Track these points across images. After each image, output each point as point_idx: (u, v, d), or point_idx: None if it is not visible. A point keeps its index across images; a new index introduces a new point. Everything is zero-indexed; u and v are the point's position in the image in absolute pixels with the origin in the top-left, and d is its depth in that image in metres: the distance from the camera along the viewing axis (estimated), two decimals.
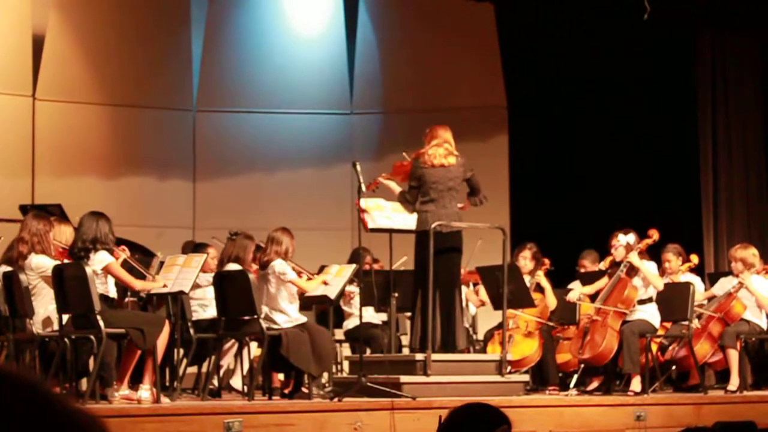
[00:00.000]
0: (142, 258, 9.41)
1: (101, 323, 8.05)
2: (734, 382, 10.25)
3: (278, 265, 9.07)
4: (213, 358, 9.59)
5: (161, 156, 14.26)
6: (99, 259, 8.31)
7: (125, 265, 8.63)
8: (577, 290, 10.45)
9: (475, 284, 11.36)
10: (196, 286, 9.25)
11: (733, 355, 10.31)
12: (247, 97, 14.62)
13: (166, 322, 8.52)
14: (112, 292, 8.61)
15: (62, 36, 13.64)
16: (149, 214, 13.77)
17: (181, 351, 9.58)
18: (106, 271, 8.36)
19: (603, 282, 10.21)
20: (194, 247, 10.48)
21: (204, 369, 10.03)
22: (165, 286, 8.81)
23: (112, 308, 8.45)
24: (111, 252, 8.39)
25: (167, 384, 9.57)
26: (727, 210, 13.90)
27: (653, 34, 13.18)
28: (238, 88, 14.63)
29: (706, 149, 14.03)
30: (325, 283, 9.52)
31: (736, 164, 13.98)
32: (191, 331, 9.50)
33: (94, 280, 8.10)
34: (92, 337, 8.17)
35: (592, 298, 10.27)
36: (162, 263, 9.14)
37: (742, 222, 13.84)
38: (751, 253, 10.58)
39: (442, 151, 9.22)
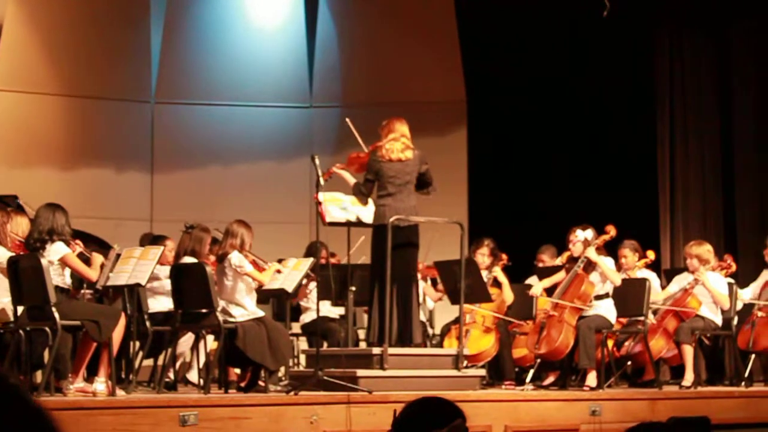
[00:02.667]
0: (98, 250, 9.35)
1: (56, 315, 8.01)
2: (689, 378, 10.31)
3: (235, 257, 9.05)
4: (169, 351, 9.56)
5: (119, 148, 14.20)
6: (55, 250, 8.26)
7: (81, 257, 8.58)
8: (539, 285, 10.47)
9: (433, 279, 11.39)
10: (153, 278, 9.22)
11: (688, 351, 10.37)
12: (206, 90, 14.57)
13: (122, 314, 8.48)
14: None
15: (20, 26, 13.54)
16: (106, 206, 13.71)
17: (137, 344, 9.54)
18: (63, 262, 8.31)
19: (560, 276, 10.25)
20: (152, 240, 10.44)
21: (160, 362, 10.00)
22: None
23: (67, 300, 8.39)
24: (67, 243, 8.34)
25: (123, 377, 9.54)
26: (683, 207, 13.99)
27: (612, 31, 13.24)
28: (197, 81, 14.59)
29: (663, 146, 14.11)
30: (279, 272, 9.51)
31: (693, 161, 14.07)
32: (147, 323, 9.46)
33: (50, 272, 8.06)
34: (47, 329, 8.13)
35: (549, 292, 10.30)
36: (119, 255, 9.10)
37: (698, 219, 13.93)
38: (706, 250, 10.65)
39: (399, 145, 9.22)
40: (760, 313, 10.79)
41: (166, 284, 9.51)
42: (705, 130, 14.10)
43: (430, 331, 11.50)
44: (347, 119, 10.18)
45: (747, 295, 10.96)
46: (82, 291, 9.51)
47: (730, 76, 14.05)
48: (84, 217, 11.58)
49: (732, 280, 10.94)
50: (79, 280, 9.04)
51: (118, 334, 8.31)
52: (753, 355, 10.76)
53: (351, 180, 9.47)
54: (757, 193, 13.83)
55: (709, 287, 10.53)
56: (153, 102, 14.39)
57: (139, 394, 8.81)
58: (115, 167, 14.14)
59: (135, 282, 8.83)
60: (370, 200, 9.48)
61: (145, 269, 8.80)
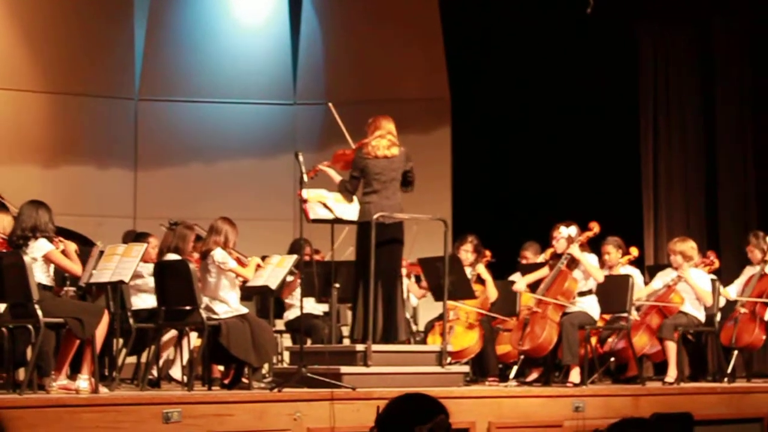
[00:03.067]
0: (81, 247, 9.32)
1: (39, 312, 7.98)
2: (672, 374, 10.34)
3: (218, 254, 9.05)
4: (152, 348, 9.55)
5: (102, 145, 14.17)
6: (39, 247, 8.23)
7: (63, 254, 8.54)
8: (522, 281, 10.48)
9: (417, 276, 11.38)
10: (136, 275, 9.20)
11: (671, 347, 10.40)
12: (189, 87, 14.55)
13: (105, 311, 8.46)
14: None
15: (2, 23, 13.49)
16: (89, 204, 13.68)
17: (121, 341, 9.52)
18: (47, 258, 8.28)
19: (544, 271, 10.25)
20: (135, 237, 10.42)
21: (143, 359, 9.98)
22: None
23: (50, 297, 8.36)
24: (51, 240, 8.32)
25: (106, 374, 9.51)
26: (667, 203, 14.03)
27: (596, 28, 13.26)
28: (180, 78, 14.56)
29: (647, 143, 14.15)
30: (259, 266, 9.51)
31: (676, 158, 14.10)
32: (131, 320, 9.44)
33: (32, 269, 8.03)
34: (30, 326, 8.10)
35: (532, 289, 10.31)
36: (102, 253, 9.07)
37: (681, 215, 13.96)
38: (690, 246, 10.68)
39: (385, 142, 9.23)
40: (742, 310, 10.82)
41: (150, 281, 9.49)
42: (688, 127, 14.13)
43: (413, 327, 11.50)
44: (329, 104, 10.20)
45: (733, 292, 10.98)
46: (65, 288, 9.48)
47: (714, 72, 14.09)
48: (67, 214, 11.53)
49: (715, 277, 10.97)
50: (62, 277, 9.01)
51: (101, 332, 8.29)
52: (736, 352, 10.78)
53: (337, 177, 9.46)
54: (740, 190, 13.87)
55: (692, 284, 10.56)
56: (136, 99, 14.36)
57: (123, 392, 8.79)
58: (98, 164, 14.10)
59: (118, 279, 8.81)
60: (354, 198, 9.47)
61: (128, 266, 8.77)
